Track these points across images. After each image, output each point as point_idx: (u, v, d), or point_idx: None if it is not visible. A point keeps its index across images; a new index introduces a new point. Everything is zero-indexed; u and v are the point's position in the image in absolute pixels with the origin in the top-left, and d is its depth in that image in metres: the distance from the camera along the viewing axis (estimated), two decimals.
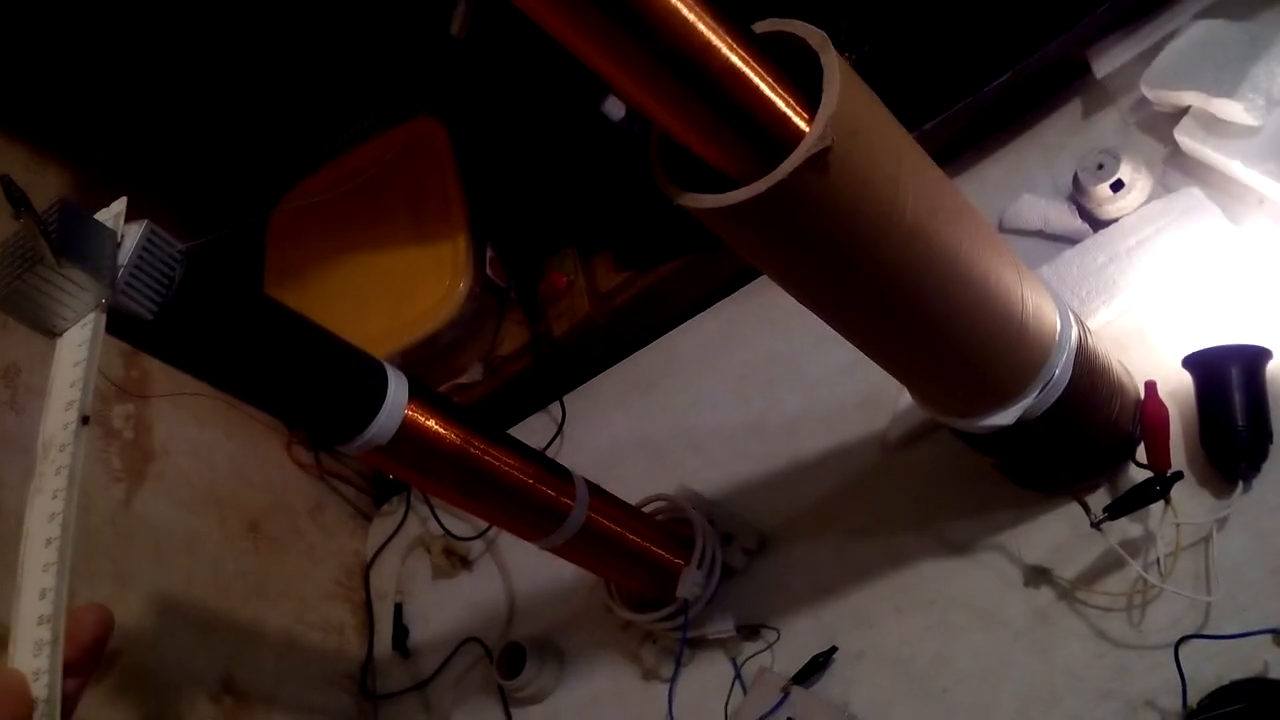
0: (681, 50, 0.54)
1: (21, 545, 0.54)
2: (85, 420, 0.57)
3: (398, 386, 0.82)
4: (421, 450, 0.85)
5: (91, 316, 0.61)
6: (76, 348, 0.60)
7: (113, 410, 1.18)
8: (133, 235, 0.64)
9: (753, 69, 0.56)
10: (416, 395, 0.83)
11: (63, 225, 0.61)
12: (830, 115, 0.57)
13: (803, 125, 0.58)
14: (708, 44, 0.54)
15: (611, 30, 0.53)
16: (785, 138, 0.58)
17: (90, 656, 0.53)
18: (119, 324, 0.64)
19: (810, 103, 0.59)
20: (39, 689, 0.49)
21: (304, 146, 1.52)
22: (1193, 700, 0.81)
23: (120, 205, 0.66)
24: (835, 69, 0.58)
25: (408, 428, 0.82)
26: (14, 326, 1.04)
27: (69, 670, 0.51)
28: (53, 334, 0.62)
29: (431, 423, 0.84)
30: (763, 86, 0.57)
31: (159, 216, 0.67)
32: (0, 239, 0.62)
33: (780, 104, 0.58)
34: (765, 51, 0.58)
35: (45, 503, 0.55)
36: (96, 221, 0.64)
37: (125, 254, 0.64)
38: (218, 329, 0.70)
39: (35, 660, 0.50)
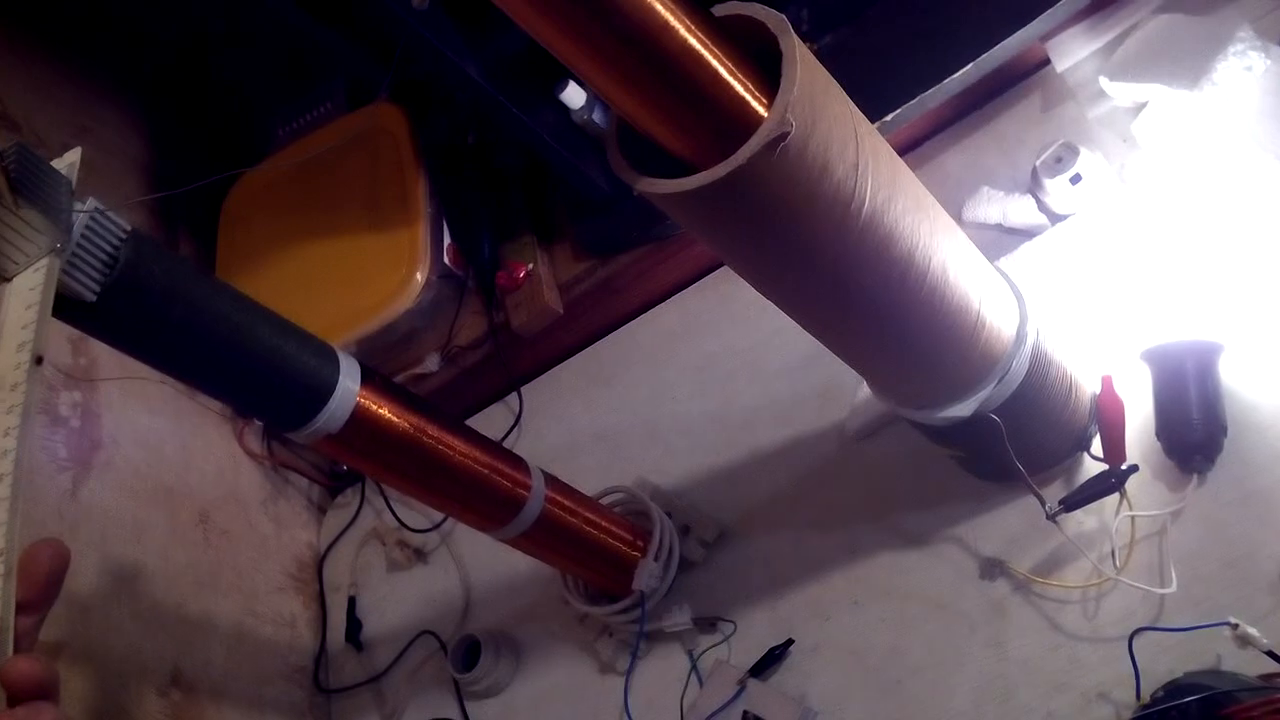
0: (639, 31, 0.53)
1: None
2: (39, 360, 0.57)
3: (349, 373, 0.80)
4: (374, 438, 0.83)
5: (44, 261, 0.60)
6: (28, 291, 0.60)
7: (59, 398, 1.16)
8: (77, 214, 0.63)
9: (711, 51, 0.56)
10: (369, 382, 0.82)
11: (20, 167, 0.60)
12: (790, 100, 0.56)
13: (762, 110, 0.58)
14: (666, 25, 0.54)
15: (570, 10, 0.52)
16: (744, 122, 0.57)
17: (45, 592, 0.54)
18: (61, 305, 0.62)
19: (770, 88, 0.58)
20: None
21: (262, 130, 1.50)
22: (1146, 693, 0.81)
23: (74, 155, 0.66)
24: (795, 54, 0.57)
25: (360, 415, 0.81)
26: None
27: (24, 607, 0.51)
28: (3, 278, 0.61)
29: (384, 410, 0.83)
30: (721, 70, 0.56)
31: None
32: None
33: (739, 88, 0.57)
34: (726, 36, 0.57)
35: None
36: (52, 167, 0.63)
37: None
38: (162, 311, 0.68)
39: None
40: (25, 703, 0.49)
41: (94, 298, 0.63)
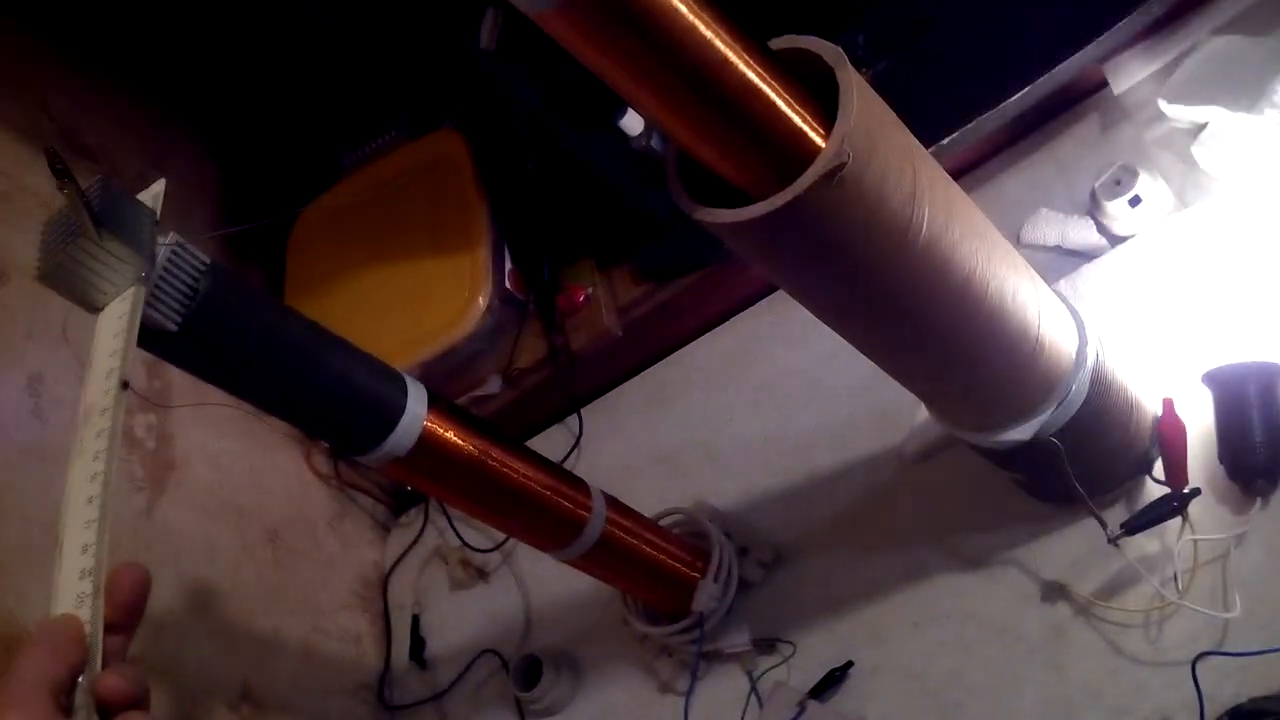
0: (699, 66, 0.54)
1: (63, 505, 0.56)
2: (125, 385, 0.59)
3: (416, 397, 0.82)
4: (440, 461, 0.85)
5: (130, 291, 0.63)
6: (116, 320, 0.62)
7: (135, 420, 1.19)
8: (159, 248, 0.66)
9: (769, 85, 0.57)
10: (435, 406, 0.84)
11: (103, 199, 0.62)
12: (846, 131, 0.57)
13: (819, 141, 0.59)
14: (725, 60, 0.55)
15: (630, 46, 0.54)
16: (801, 153, 0.58)
17: (130, 614, 0.56)
18: (144, 336, 0.64)
19: (827, 119, 0.59)
20: None
21: (327, 157, 1.54)
22: (1210, 718, 0.80)
23: (159, 186, 0.68)
24: (851, 85, 0.58)
25: (426, 439, 0.82)
26: (40, 335, 1.07)
27: (110, 627, 0.53)
28: (94, 309, 0.64)
29: (450, 434, 0.85)
30: (779, 102, 0.58)
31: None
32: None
33: (796, 120, 0.58)
34: (782, 68, 0.58)
35: (86, 464, 0.57)
36: (134, 198, 0.66)
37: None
38: (240, 340, 0.70)
39: (78, 611, 0.52)
40: (118, 715, 0.51)
41: (176, 328, 0.66)
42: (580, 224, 1.37)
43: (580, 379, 1.38)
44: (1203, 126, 1.00)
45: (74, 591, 0.53)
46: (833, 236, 0.61)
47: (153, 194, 0.67)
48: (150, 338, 0.65)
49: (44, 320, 1.09)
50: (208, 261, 0.68)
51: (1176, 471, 0.88)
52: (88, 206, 0.61)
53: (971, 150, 1.17)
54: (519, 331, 1.37)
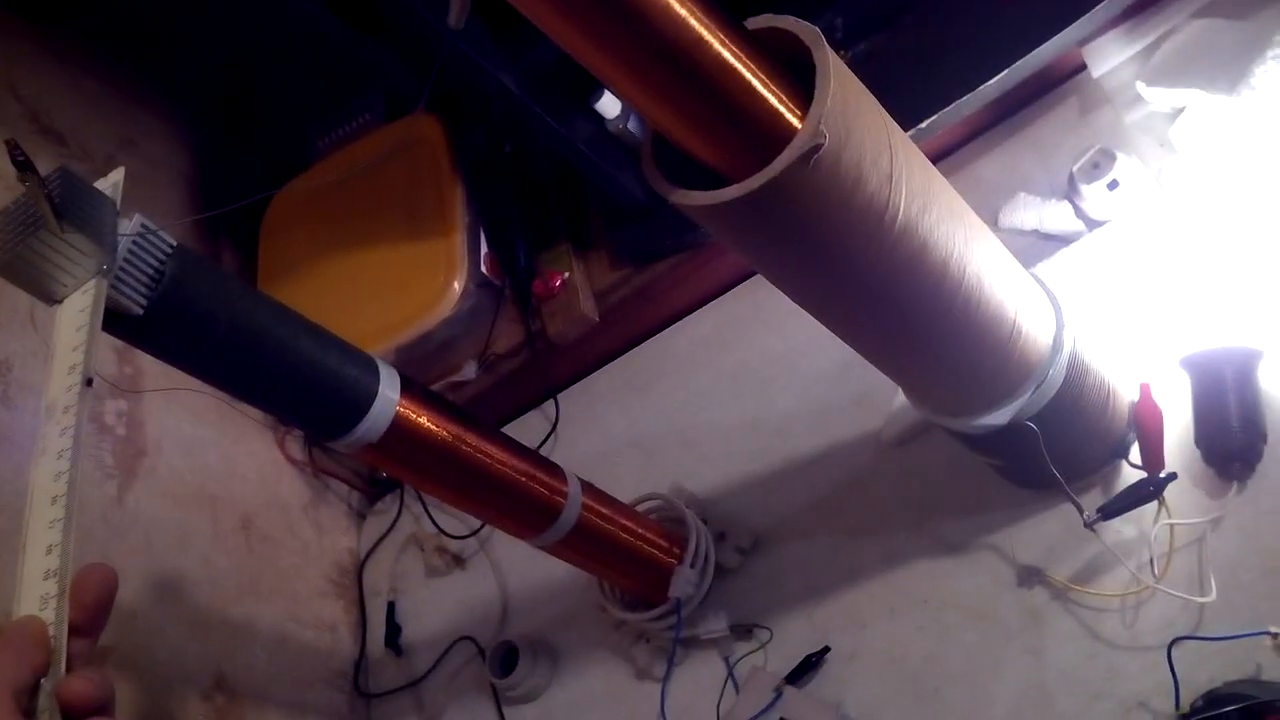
0: (674, 46, 0.54)
1: (27, 505, 0.55)
2: (89, 382, 0.58)
3: (389, 382, 0.81)
4: (413, 447, 0.84)
5: (92, 283, 0.61)
6: (78, 313, 0.61)
7: (105, 407, 1.18)
8: (124, 229, 0.64)
9: (745, 65, 0.56)
10: (408, 391, 0.83)
11: (64, 191, 0.61)
12: (823, 113, 0.56)
13: (795, 122, 0.58)
14: (699, 39, 0.54)
15: (604, 25, 0.53)
16: (778, 134, 0.58)
17: (96, 616, 0.55)
18: (109, 319, 0.63)
19: (804, 100, 0.58)
20: None
21: (300, 141, 1.52)
22: (1185, 702, 0.81)
23: (118, 175, 0.66)
24: (828, 66, 0.57)
25: (399, 424, 0.82)
26: (5, 322, 1.05)
27: (75, 630, 0.52)
28: (53, 301, 0.63)
29: (423, 419, 0.84)
30: (755, 83, 0.57)
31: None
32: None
33: (773, 100, 0.58)
34: (759, 48, 0.58)
35: (50, 462, 0.56)
36: (96, 189, 0.64)
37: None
38: (207, 324, 0.69)
39: (42, 613, 0.51)
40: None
41: (141, 311, 0.64)
42: (557, 208, 1.36)
43: (556, 364, 1.37)
44: (1181, 110, 1.00)
45: (38, 593, 0.52)
46: (809, 219, 0.60)
47: (111, 183, 0.66)
48: (115, 321, 0.64)
49: (10, 306, 1.07)
50: (174, 244, 0.67)
51: (1153, 456, 0.88)
52: (49, 198, 0.60)
53: (949, 133, 1.16)
54: (495, 317, 1.36)
